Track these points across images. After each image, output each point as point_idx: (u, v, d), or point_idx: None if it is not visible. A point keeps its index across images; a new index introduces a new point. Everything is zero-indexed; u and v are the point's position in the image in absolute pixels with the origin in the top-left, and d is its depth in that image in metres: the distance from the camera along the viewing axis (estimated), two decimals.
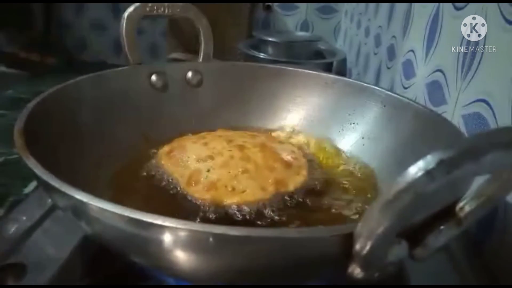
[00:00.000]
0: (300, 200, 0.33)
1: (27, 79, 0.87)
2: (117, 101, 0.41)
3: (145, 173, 0.36)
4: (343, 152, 0.42)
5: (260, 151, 0.36)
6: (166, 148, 0.38)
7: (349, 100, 0.43)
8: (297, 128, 0.46)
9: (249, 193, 0.32)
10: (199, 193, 0.32)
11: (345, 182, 0.37)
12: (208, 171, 0.34)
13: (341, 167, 0.40)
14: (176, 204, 0.33)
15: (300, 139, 0.45)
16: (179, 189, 0.34)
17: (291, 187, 0.34)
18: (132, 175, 0.36)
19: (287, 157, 0.37)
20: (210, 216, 0.31)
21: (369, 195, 0.35)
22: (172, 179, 0.35)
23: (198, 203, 0.32)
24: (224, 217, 0.31)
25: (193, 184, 0.33)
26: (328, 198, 0.34)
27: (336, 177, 0.38)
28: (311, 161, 0.39)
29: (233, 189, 0.32)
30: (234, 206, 0.31)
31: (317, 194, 0.35)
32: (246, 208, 0.31)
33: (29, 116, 0.29)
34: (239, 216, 0.31)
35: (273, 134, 0.45)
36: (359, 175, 0.39)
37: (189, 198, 0.33)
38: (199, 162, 0.35)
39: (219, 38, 0.49)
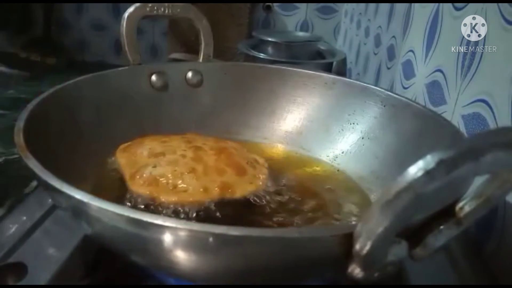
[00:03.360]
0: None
1: (27, 79, 0.87)
2: (117, 101, 0.41)
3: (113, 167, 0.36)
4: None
5: (215, 154, 0.35)
6: (125, 144, 0.37)
7: (349, 100, 0.43)
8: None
9: (190, 193, 0.31)
10: (137, 187, 0.32)
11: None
12: (155, 166, 0.33)
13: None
14: (115, 197, 0.32)
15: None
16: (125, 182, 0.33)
17: (238, 194, 0.32)
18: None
19: (244, 164, 0.35)
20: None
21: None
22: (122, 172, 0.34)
23: (135, 196, 0.32)
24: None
25: (136, 178, 0.32)
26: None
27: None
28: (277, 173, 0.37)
29: (175, 187, 0.32)
30: (171, 205, 0.31)
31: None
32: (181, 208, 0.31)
33: (29, 116, 0.29)
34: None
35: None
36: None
37: (129, 192, 0.32)
38: (149, 158, 0.34)
39: (219, 38, 0.49)
